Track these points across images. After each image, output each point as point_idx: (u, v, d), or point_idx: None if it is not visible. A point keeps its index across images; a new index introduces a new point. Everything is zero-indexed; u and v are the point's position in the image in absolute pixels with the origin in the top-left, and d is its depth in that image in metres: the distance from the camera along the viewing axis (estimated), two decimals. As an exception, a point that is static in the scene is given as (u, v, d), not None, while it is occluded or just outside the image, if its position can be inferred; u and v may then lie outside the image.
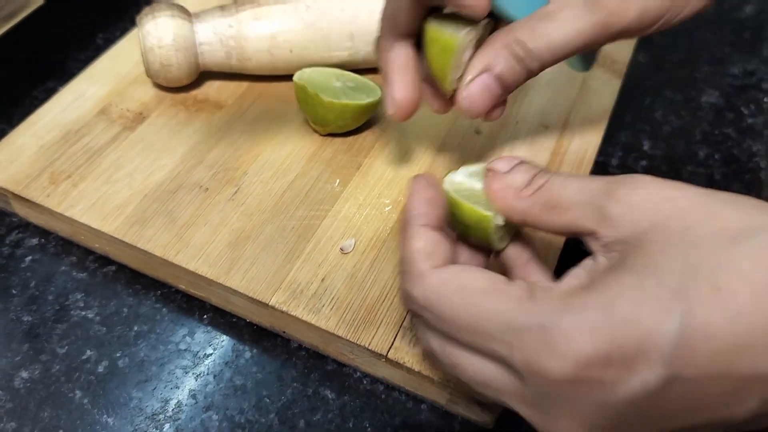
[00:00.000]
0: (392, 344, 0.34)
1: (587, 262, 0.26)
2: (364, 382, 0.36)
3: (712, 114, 0.51)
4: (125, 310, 0.38)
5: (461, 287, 0.25)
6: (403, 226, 0.28)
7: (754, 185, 0.47)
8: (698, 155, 0.48)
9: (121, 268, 0.40)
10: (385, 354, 0.34)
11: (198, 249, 0.37)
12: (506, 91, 0.33)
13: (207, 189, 0.40)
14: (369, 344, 0.34)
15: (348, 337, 0.34)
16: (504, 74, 0.32)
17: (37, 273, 0.39)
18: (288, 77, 0.45)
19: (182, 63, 0.43)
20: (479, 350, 0.25)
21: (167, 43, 0.42)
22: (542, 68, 0.32)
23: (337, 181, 0.41)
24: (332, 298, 0.35)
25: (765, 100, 0.53)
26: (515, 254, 0.30)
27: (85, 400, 0.34)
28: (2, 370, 0.35)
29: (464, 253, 0.31)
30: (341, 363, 0.36)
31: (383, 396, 0.36)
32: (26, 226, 0.41)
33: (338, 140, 0.43)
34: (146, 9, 0.43)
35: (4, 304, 0.38)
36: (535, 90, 0.47)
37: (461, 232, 0.31)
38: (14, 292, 0.38)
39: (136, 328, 0.37)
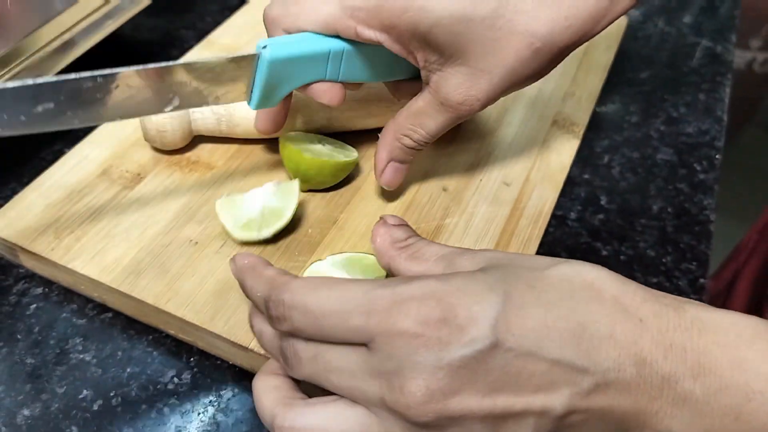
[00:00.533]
0: (359, 383, 0.38)
1: None
2: (336, 419, 0.39)
3: (666, 170, 0.56)
4: (120, 353, 0.42)
5: (322, 280, 0.30)
6: (249, 270, 0.34)
7: (704, 236, 0.51)
8: (652, 209, 0.53)
9: (117, 314, 0.44)
10: (352, 392, 0.37)
11: (186, 297, 0.41)
12: (407, 167, 0.46)
13: (197, 243, 0.44)
14: (338, 383, 0.37)
15: (319, 377, 0.38)
16: (402, 159, 0.45)
17: (40, 319, 0.43)
18: (273, 141, 0.50)
19: (176, 129, 0.47)
20: (340, 335, 0.29)
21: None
22: (427, 144, 0.44)
23: (318, 231, 0.45)
24: (306, 342, 0.39)
25: (717, 157, 0.57)
26: None
27: (81, 436, 0.38)
28: (6, 408, 0.39)
29: None
30: (315, 401, 0.40)
31: None
32: (32, 277, 0.45)
33: (318, 196, 0.48)
34: None
35: (10, 347, 0.42)
36: (498, 149, 0.51)
37: None
38: (19, 336, 0.42)
39: (129, 370, 0.41)
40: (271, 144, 0.51)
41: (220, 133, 0.50)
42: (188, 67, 0.37)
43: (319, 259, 0.40)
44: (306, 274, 0.39)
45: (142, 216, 0.45)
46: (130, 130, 0.51)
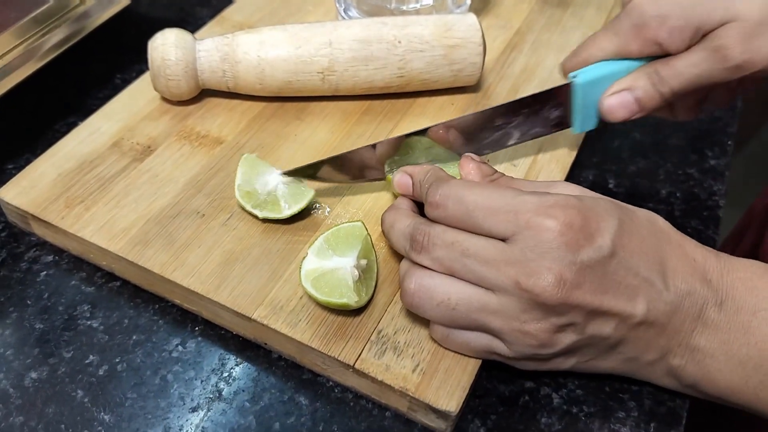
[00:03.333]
0: (359, 356, 0.38)
1: None
2: (335, 390, 0.40)
3: (677, 155, 0.55)
4: (126, 320, 0.42)
5: (477, 183, 0.37)
6: (436, 170, 0.40)
7: (712, 221, 0.51)
8: (660, 193, 0.52)
9: (125, 283, 0.44)
10: (352, 365, 0.38)
11: (192, 268, 0.42)
12: (641, 106, 0.44)
13: (203, 215, 0.45)
14: (338, 356, 0.38)
15: (320, 349, 0.38)
16: (641, 93, 0.44)
17: (50, 286, 0.44)
18: (283, 116, 0.51)
19: (181, 79, 0.49)
20: (485, 227, 0.35)
21: (171, 41, 0.49)
22: (672, 94, 0.43)
23: (327, 208, 0.45)
24: (308, 314, 0.40)
25: (729, 143, 0.57)
26: None
27: (86, 399, 0.39)
28: (15, 370, 0.40)
29: None
30: (316, 373, 0.40)
31: (351, 403, 0.39)
32: (43, 245, 0.46)
33: (325, 173, 0.48)
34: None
35: (20, 312, 0.43)
36: (507, 131, 0.51)
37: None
38: (29, 302, 0.43)
39: (134, 337, 0.42)
40: (281, 119, 0.51)
41: (227, 88, 0.51)
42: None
43: (304, 256, 0.40)
44: (302, 274, 0.39)
45: (151, 187, 0.46)
46: (142, 103, 0.52)
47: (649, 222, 0.37)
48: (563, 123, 0.48)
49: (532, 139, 0.48)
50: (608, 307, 0.34)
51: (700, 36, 0.41)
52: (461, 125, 0.45)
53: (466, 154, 0.41)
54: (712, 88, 0.46)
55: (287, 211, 0.44)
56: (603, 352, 0.36)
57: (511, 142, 0.47)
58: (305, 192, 0.44)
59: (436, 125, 0.45)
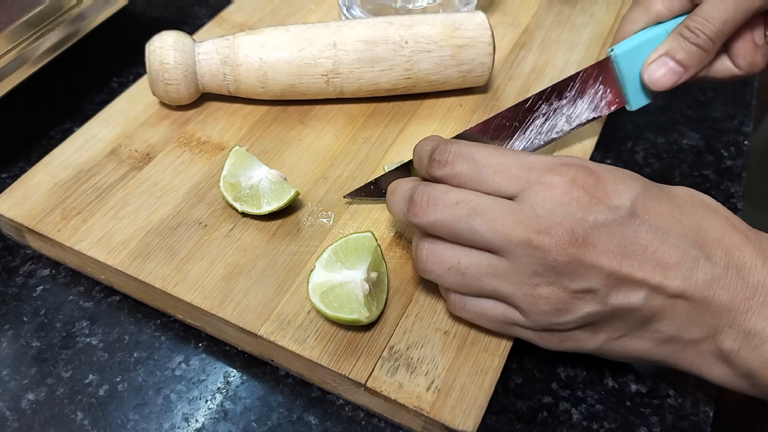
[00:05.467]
0: (371, 374, 0.36)
1: None
2: (346, 409, 0.38)
3: (692, 156, 0.54)
4: (127, 337, 0.41)
5: (485, 144, 0.35)
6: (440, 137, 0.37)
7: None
8: (677, 196, 0.51)
9: (125, 298, 0.43)
10: (363, 383, 0.36)
11: (194, 282, 0.40)
12: (685, 66, 0.43)
13: (206, 225, 0.43)
14: (349, 373, 0.36)
15: (330, 367, 0.37)
16: (677, 56, 0.43)
17: (47, 302, 0.42)
18: (286, 120, 0.49)
19: (181, 83, 0.47)
20: (494, 184, 0.34)
21: (169, 44, 0.47)
22: (711, 43, 0.42)
23: (332, 216, 0.44)
24: (317, 330, 0.38)
25: (745, 143, 0.55)
26: None
27: (86, 422, 0.37)
28: (11, 391, 0.38)
29: None
30: (325, 391, 0.39)
31: (363, 423, 0.38)
32: (39, 258, 0.45)
33: (330, 179, 0.46)
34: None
35: (16, 330, 0.41)
36: (518, 133, 0.50)
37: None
38: (25, 319, 0.41)
39: (135, 355, 0.40)
40: (283, 125, 0.49)
41: (228, 92, 0.49)
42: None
43: (312, 269, 0.39)
44: (310, 288, 0.38)
45: (151, 197, 0.44)
46: (140, 108, 0.50)
47: (690, 195, 0.34)
48: (616, 101, 0.46)
49: (586, 123, 0.46)
50: (630, 272, 0.31)
51: None
52: (504, 118, 0.44)
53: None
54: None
55: (266, 207, 0.42)
56: (635, 327, 0.33)
57: (561, 129, 0.45)
58: (287, 190, 0.43)
59: (473, 127, 0.44)
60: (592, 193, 0.32)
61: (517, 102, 0.44)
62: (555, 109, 0.45)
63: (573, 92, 0.45)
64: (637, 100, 0.46)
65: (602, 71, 0.45)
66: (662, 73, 0.43)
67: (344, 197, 0.44)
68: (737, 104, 0.58)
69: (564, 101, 0.45)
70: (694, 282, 0.32)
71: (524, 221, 0.32)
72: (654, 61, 0.43)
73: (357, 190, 0.44)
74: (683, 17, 0.43)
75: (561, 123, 0.45)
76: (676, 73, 0.43)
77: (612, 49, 0.45)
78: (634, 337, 0.34)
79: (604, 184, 0.32)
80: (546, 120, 0.45)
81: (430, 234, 0.35)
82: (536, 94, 0.44)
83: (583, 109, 0.46)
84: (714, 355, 0.33)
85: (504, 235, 0.32)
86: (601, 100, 0.46)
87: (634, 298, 0.32)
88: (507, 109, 0.44)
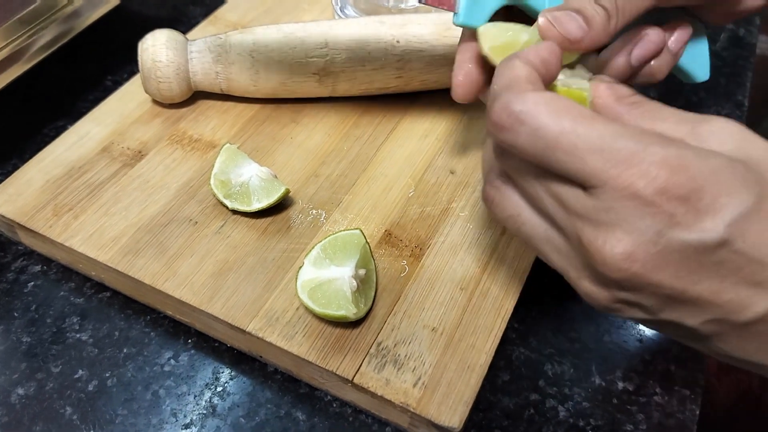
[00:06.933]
0: (358, 370, 0.37)
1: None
2: (334, 405, 0.38)
3: (683, 156, 0.54)
4: (116, 333, 0.41)
5: (565, 107, 0.27)
6: (507, 60, 0.30)
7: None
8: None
9: (115, 294, 0.43)
10: (351, 379, 0.36)
11: (184, 278, 0.40)
12: (589, 24, 0.32)
13: (196, 222, 0.43)
14: (337, 369, 0.36)
15: (318, 363, 0.37)
16: (585, 13, 0.33)
17: (38, 297, 0.42)
18: (278, 119, 0.49)
19: (173, 81, 0.47)
20: (563, 170, 0.27)
21: (162, 42, 0.47)
22: (621, 17, 0.33)
23: (323, 213, 0.44)
24: (305, 326, 0.38)
25: (736, 143, 0.55)
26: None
27: (75, 416, 0.37)
28: (1, 386, 0.38)
29: None
30: (313, 387, 0.39)
31: (351, 419, 0.38)
32: (30, 254, 0.45)
33: (322, 177, 0.46)
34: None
35: (6, 325, 0.41)
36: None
37: None
38: (16, 314, 0.42)
39: (125, 350, 0.40)
40: (275, 122, 0.50)
41: (220, 90, 0.49)
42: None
43: (300, 266, 0.39)
44: (299, 285, 0.38)
45: (142, 194, 0.45)
46: (132, 106, 0.50)
47: None
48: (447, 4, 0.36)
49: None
50: (703, 297, 0.26)
51: None
52: None
53: (595, 78, 0.32)
54: None
55: (256, 205, 0.42)
56: (687, 339, 0.29)
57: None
58: (277, 187, 0.43)
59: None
60: (676, 208, 0.25)
61: None
62: None
63: None
64: (468, 14, 0.35)
65: None
66: (574, 27, 0.33)
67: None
68: (729, 104, 0.58)
69: None
70: None
71: (585, 218, 0.27)
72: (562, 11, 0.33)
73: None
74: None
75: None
76: (582, 30, 0.33)
77: None
78: (690, 342, 0.30)
79: (701, 195, 0.25)
80: None
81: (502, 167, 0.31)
82: None
83: None
84: None
85: (563, 220, 0.28)
86: None
87: (692, 319, 0.27)
88: None
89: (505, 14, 0.36)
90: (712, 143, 0.27)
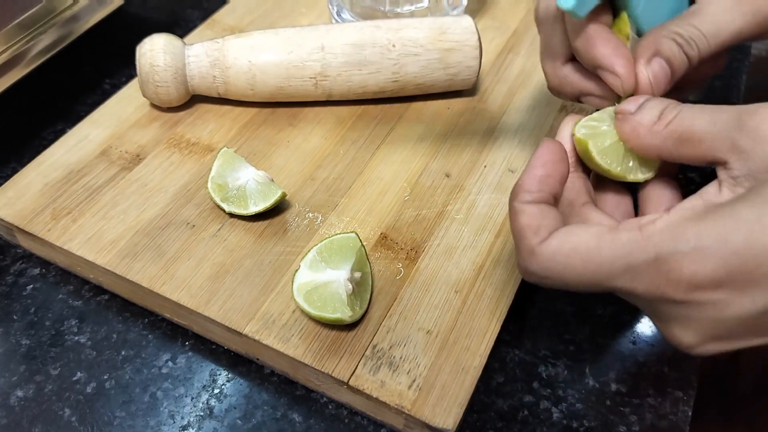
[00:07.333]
0: (354, 372, 0.37)
1: (708, 190, 0.29)
2: (330, 407, 0.39)
3: (677, 159, 0.54)
4: (114, 335, 0.41)
5: (573, 250, 0.28)
6: (510, 202, 0.31)
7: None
8: (661, 198, 0.51)
9: (113, 297, 0.43)
10: (346, 381, 0.37)
11: (182, 281, 0.40)
12: (673, 76, 0.34)
13: (194, 226, 0.43)
14: (332, 372, 0.37)
15: (313, 365, 0.37)
16: (671, 59, 0.34)
17: (36, 300, 0.43)
18: (275, 122, 0.49)
19: (170, 85, 0.48)
20: (600, 289, 0.28)
21: (159, 46, 0.48)
22: (700, 58, 0.34)
23: (319, 217, 0.44)
24: (301, 329, 0.39)
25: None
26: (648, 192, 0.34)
27: (74, 418, 0.38)
28: (0, 388, 0.39)
29: (609, 198, 0.35)
30: (309, 389, 0.39)
31: (346, 420, 0.38)
32: (29, 257, 0.45)
33: (318, 180, 0.47)
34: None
35: (5, 328, 0.41)
36: (504, 136, 0.50)
37: (600, 173, 0.34)
38: (15, 317, 0.42)
39: (123, 353, 0.41)
40: (272, 126, 0.50)
41: (217, 94, 0.50)
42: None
43: (297, 269, 0.39)
44: (295, 288, 0.38)
45: (140, 198, 0.45)
46: (131, 109, 0.51)
47: None
48: None
49: None
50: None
51: None
52: None
53: (621, 105, 0.32)
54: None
55: (253, 208, 0.43)
56: None
57: None
58: (274, 191, 0.43)
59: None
60: (716, 294, 0.26)
61: None
62: None
63: None
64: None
65: None
66: (659, 72, 0.34)
67: None
68: (723, 108, 0.59)
69: None
70: None
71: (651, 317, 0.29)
72: (651, 58, 0.34)
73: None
74: None
75: None
76: (666, 76, 0.34)
77: None
78: None
79: (733, 275, 0.25)
80: None
81: None
82: None
83: None
84: None
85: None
86: None
87: None
88: None
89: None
90: (756, 160, 0.27)
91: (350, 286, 0.38)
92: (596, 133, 0.34)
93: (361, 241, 0.41)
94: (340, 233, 0.42)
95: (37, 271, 0.45)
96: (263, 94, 0.50)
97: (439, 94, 0.53)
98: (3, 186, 0.45)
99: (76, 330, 0.41)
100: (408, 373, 0.37)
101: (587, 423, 0.39)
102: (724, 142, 0.28)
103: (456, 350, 0.38)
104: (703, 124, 0.28)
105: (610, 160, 0.33)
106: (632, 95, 0.34)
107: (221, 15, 0.60)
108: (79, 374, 0.39)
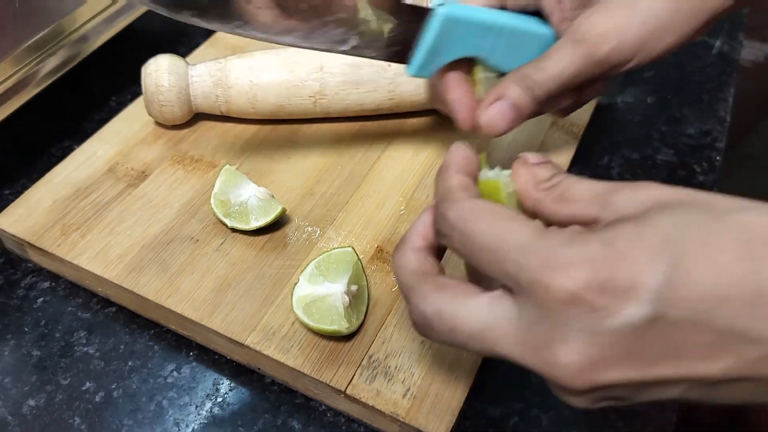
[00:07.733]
0: (351, 381, 0.39)
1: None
2: (328, 414, 0.41)
3: (665, 172, 0.56)
4: (122, 346, 0.43)
5: (491, 211, 0.29)
6: (442, 170, 0.33)
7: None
8: (650, 210, 0.53)
9: (121, 309, 0.45)
10: (344, 390, 0.38)
11: (186, 294, 0.42)
12: (519, 114, 0.40)
13: (197, 240, 0.45)
14: (330, 381, 0.39)
15: (312, 375, 0.39)
16: (516, 101, 0.39)
17: (47, 313, 0.45)
18: (275, 139, 0.51)
19: (174, 104, 0.50)
20: (490, 271, 0.28)
21: (164, 67, 0.50)
22: (547, 96, 0.39)
23: (318, 231, 0.46)
24: (300, 340, 0.40)
25: (717, 158, 0.57)
26: None
27: (83, 427, 0.39)
28: (13, 398, 0.41)
29: None
30: (308, 397, 0.41)
31: (344, 427, 0.40)
32: (39, 272, 0.47)
33: (317, 194, 0.48)
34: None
35: (17, 340, 0.43)
36: (496, 150, 0.52)
37: None
38: (26, 329, 0.44)
39: (130, 363, 0.42)
40: (272, 145, 0.52)
41: (220, 112, 0.52)
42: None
43: (296, 282, 0.41)
44: (294, 301, 0.40)
45: (146, 213, 0.47)
46: (136, 127, 0.53)
47: (748, 232, 0.25)
48: (402, 55, 0.40)
49: (367, 57, 0.41)
50: (664, 377, 0.26)
51: None
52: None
53: (521, 156, 0.34)
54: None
55: (254, 223, 0.45)
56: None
57: (345, 48, 0.40)
58: (274, 206, 0.45)
59: None
60: (597, 300, 0.25)
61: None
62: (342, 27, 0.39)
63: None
64: (421, 68, 0.40)
65: (410, 17, 0.39)
66: (499, 116, 0.39)
67: None
68: (711, 121, 0.60)
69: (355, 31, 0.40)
70: (749, 364, 0.25)
71: (525, 335, 0.27)
72: (492, 102, 0.39)
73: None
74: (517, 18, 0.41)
75: (345, 43, 0.40)
76: (508, 118, 0.40)
77: (441, 3, 0.39)
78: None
79: (616, 282, 0.25)
80: (331, 31, 0.39)
81: None
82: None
83: (372, 42, 0.40)
84: None
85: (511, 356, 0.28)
86: (390, 45, 0.40)
87: (671, 392, 0.27)
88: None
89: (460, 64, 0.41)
90: (626, 211, 0.28)
91: (347, 299, 0.40)
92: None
93: (357, 255, 0.43)
94: (337, 248, 0.43)
95: (47, 284, 0.46)
96: (264, 112, 0.51)
97: (434, 111, 0.55)
98: (14, 203, 0.47)
99: (85, 341, 0.43)
100: (403, 382, 0.39)
101: (576, 430, 0.40)
102: (597, 202, 0.29)
103: (449, 360, 0.40)
104: (581, 188, 0.30)
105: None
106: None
107: (223, 34, 0.62)
108: (88, 384, 0.41)
